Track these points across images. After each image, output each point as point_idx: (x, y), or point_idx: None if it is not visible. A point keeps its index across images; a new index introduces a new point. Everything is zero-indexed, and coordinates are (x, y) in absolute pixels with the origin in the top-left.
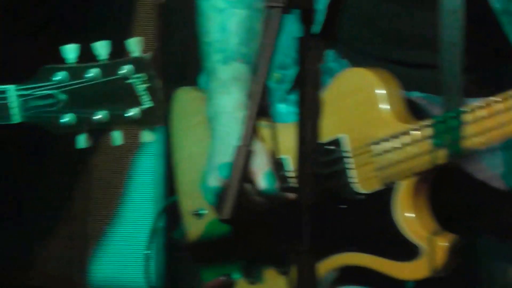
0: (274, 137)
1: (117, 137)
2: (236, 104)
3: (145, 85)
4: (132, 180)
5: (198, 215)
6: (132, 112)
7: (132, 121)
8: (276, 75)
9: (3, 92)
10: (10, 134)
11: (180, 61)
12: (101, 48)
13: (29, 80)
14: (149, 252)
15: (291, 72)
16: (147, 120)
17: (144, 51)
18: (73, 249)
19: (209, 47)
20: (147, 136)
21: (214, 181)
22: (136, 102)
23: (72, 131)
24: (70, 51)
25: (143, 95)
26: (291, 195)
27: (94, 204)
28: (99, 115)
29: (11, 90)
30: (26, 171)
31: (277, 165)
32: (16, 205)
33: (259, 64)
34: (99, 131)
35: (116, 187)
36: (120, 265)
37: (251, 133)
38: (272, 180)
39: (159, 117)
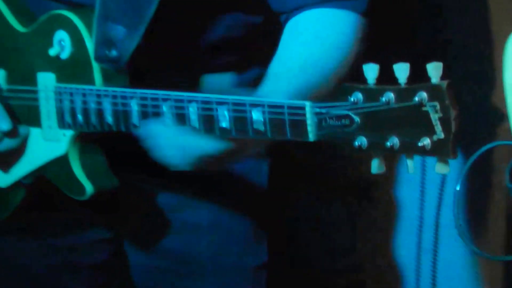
0: None
1: (410, 165)
2: None
3: (438, 115)
4: None
5: None
6: (424, 141)
7: (423, 150)
8: None
9: (301, 108)
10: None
11: None
12: (401, 71)
13: (326, 98)
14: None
15: None
16: (438, 151)
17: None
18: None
19: None
20: (440, 168)
21: None
22: (428, 132)
23: (364, 154)
24: (371, 70)
25: (436, 125)
26: None
27: None
28: (391, 141)
29: (308, 107)
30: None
31: None
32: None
33: None
34: (390, 157)
35: None
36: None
37: None
38: None
39: (450, 150)
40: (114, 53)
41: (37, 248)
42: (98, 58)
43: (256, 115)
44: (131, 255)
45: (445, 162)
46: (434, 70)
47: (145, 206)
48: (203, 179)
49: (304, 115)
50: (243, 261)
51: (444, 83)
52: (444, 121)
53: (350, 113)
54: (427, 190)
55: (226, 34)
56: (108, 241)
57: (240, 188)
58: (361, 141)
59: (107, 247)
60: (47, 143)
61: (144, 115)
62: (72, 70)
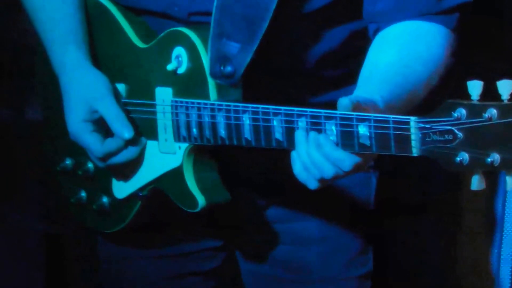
0: None
1: (509, 182)
2: None
3: None
4: None
5: None
6: None
7: None
8: None
9: (406, 123)
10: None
11: None
12: (505, 88)
13: (430, 113)
14: None
15: None
16: None
17: None
18: None
19: None
20: None
21: None
22: None
23: (465, 170)
24: (475, 87)
25: None
26: None
27: None
28: (492, 157)
29: (413, 122)
30: None
31: None
32: None
33: None
34: (491, 173)
35: None
36: None
37: None
38: None
39: None
40: (228, 68)
41: (152, 257)
42: (213, 74)
43: (363, 129)
44: (242, 263)
45: None
46: None
47: (258, 217)
48: (313, 191)
49: (409, 130)
50: (349, 270)
51: None
52: None
53: (453, 128)
54: None
55: (332, 48)
56: (220, 249)
57: (349, 200)
58: (463, 156)
59: (220, 255)
60: (163, 156)
61: (256, 128)
62: (188, 85)
